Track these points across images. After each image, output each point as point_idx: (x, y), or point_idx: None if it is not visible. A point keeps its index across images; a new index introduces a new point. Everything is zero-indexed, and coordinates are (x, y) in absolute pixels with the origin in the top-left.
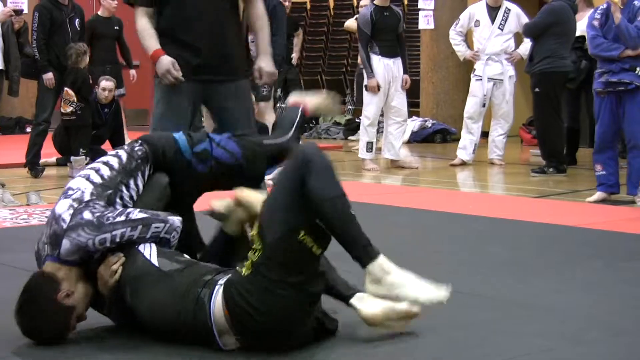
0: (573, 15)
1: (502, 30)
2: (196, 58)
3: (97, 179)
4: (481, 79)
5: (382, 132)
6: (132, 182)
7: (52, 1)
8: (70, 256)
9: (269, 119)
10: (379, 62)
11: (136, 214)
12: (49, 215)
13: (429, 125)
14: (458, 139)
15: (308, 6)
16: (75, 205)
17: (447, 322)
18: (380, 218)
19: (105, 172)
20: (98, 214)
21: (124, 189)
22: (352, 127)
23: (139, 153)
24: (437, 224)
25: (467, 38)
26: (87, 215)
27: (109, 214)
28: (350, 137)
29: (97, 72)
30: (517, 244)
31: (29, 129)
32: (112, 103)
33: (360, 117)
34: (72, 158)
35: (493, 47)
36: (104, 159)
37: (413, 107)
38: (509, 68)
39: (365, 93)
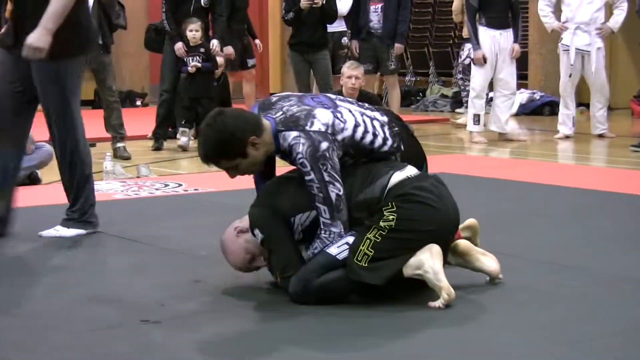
0: None
1: None
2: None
3: (358, 135)
4: (568, 50)
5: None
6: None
7: None
8: (281, 141)
9: (395, 92)
10: (485, 34)
11: (335, 193)
12: (304, 97)
13: (537, 97)
14: None
15: None
16: (329, 130)
17: (555, 296)
18: (487, 191)
19: (368, 137)
20: (326, 154)
21: (348, 159)
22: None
23: (394, 145)
24: (544, 197)
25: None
26: (323, 145)
27: (329, 165)
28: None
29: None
30: (626, 217)
31: (138, 102)
32: (221, 76)
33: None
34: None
35: (582, 16)
36: (384, 130)
37: (521, 79)
38: (597, 40)
39: (472, 65)
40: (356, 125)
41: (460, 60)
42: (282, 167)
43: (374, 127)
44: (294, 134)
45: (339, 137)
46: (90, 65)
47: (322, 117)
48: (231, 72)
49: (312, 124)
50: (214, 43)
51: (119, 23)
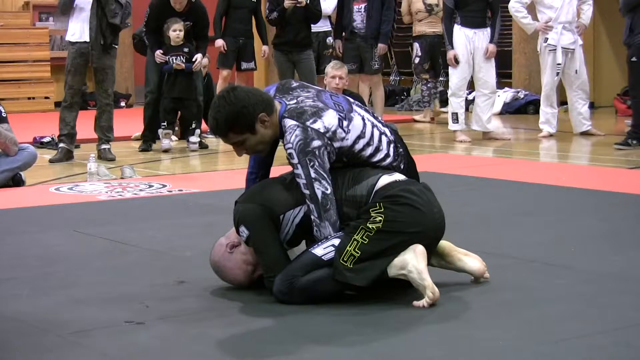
0: None
1: None
2: None
3: (358, 147)
4: (555, 50)
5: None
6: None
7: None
8: (282, 126)
9: (379, 92)
10: (459, 33)
11: (321, 191)
12: (324, 93)
13: (522, 96)
14: None
15: None
16: (328, 134)
17: (541, 294)
18: (471, 189)
19: (369, 150)
20: (316, 152)
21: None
22: (443, 99)
23: (394, 163)
24: (528, 196)
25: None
26: (315, 142)
27: (317, 163)
28: (441, 109)
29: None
30: (612, 215)
31: (122, 103)
32: (205, 77)
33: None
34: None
35: (566, 16)
36: (389, 147)
37: (505, 78)
38: (577, 37)
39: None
40: (359, 137)
41: (412, 59)
42: (279, 167)
43: (380, 141)
44: (292, 123)
45: (336, 145)
46: (94, 65)
47: (326, 120)
48: (224, 69)
49: (314, 122)
50: (198, 56)
51: (114, 22)
